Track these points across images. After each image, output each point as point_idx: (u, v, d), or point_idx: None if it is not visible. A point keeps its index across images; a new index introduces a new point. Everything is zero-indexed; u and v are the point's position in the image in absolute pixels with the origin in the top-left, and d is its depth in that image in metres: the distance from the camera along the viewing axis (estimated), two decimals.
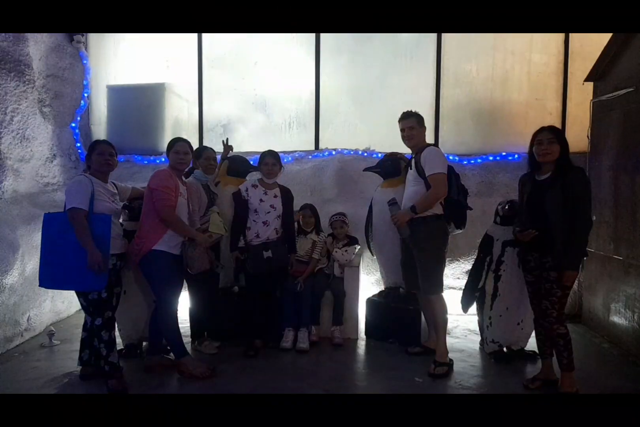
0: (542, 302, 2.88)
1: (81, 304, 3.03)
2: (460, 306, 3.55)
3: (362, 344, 3.78)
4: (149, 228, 3.05)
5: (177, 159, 3.16)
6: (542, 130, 2.90)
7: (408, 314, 3.66)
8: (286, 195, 3.61)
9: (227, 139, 4.03)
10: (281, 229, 3.59)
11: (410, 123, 3.28)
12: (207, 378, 3.09)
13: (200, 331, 3.66)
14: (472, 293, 3.52)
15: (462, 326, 4.10)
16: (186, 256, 3.11)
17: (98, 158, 2.96)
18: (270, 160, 3.51)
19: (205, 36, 4.96)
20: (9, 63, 3.91)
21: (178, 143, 3.19)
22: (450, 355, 3.28)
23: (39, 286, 2.92)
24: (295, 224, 3.86)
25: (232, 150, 4.03)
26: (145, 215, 3.10)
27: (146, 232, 3.05)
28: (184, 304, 3.56)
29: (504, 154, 4.63)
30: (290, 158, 4.80)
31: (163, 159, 4.87)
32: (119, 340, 3.54)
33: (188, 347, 3.56)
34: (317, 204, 4.05)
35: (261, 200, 3.50)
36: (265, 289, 3.60)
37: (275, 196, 3.55)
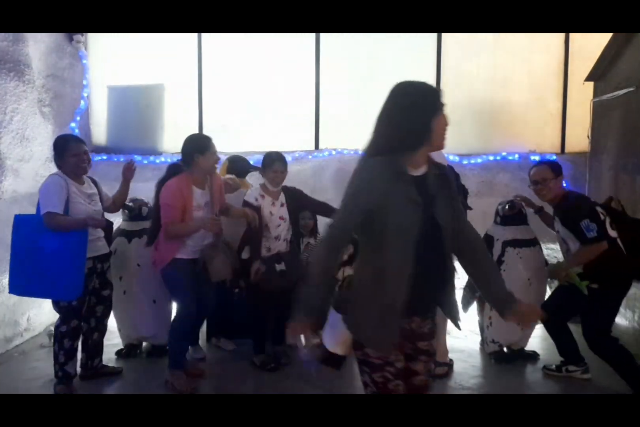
0: None
1: (54, 310, 2.97)
2: (460, 305, 3.55)
3: None
4: (168, 238, 2.99)
5: (214, 161, 2.96)
6: None
7: None
8: (292, 196, 3.38)
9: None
10: (291, 239, 3.40)
11: None
12: (186, 392, 2.93)
13: (217, 329, 3.70)
14: (472, 293, 3.51)
15: (462, 326, 4.09)
16: (205, 265, 2.98)
17: (74, 160, 2.80)
18: (281, 167, 3.25)
19: (205, 36, 4.95)
20: (9, 63, 3.89)
21: (212, 142, 2.96)
22: (450, 355, 3.28)
23: (9, 292, 2.79)
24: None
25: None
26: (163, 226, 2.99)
27: (166, 243, 2.96)
28: None
29: (504, 154, 4.62)
30: (290, 158, 4.79)
31: (163, 159, 4.85)
32: (118, 340, 3.54)
33: (203, 345, 3.61)
34: None
35: (271, 213, 3.25)
36: (277, 307, 3.25)
37: (282, 205, 3.33)
